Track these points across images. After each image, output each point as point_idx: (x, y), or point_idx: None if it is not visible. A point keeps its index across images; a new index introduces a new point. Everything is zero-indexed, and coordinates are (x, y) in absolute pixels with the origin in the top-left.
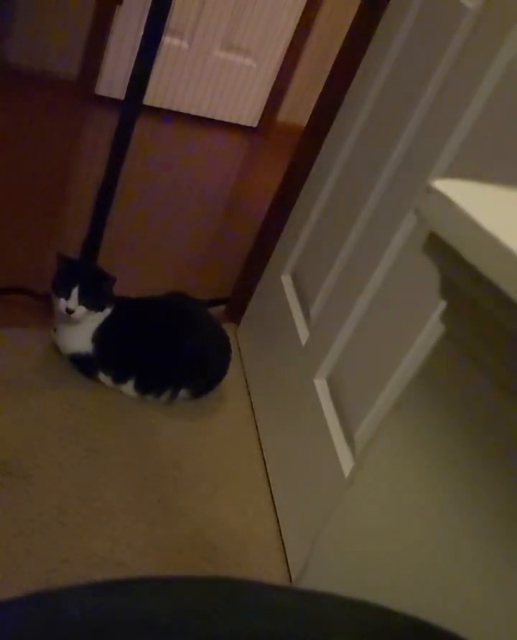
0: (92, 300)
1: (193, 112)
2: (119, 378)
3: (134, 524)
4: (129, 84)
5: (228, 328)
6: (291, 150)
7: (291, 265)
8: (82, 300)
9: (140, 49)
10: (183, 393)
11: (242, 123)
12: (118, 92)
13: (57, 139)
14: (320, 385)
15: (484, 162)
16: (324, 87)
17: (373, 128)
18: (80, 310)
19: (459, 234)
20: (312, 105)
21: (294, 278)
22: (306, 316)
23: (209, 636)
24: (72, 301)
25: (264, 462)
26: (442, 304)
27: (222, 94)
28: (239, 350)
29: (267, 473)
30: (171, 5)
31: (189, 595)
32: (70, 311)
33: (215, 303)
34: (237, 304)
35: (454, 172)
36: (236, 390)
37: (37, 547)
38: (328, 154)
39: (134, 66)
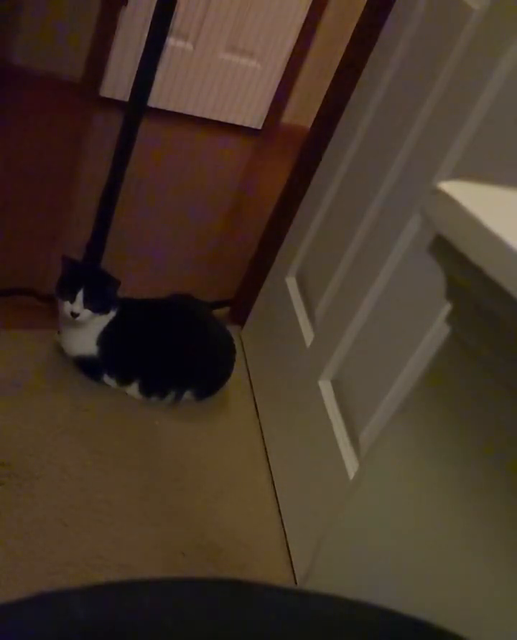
0: (96, 304)
1: (197, 114)
2: (124, 380)
3: (138, 525)
4: (134, 86)
5: (233, 329)
6: (296, 152)
7: (296, 267)
8: (87, 303)
9: (144, 50)
10: (187, 395)
11: (246, 124)
12: (123, 93)
13: (61, 141)
14: (325, 387)
15: (490, 163)
16: (328, 89)
17: (378, 129)
18: (85, 313)
19: (464, 236)
20: (317, 106)
21: (299, 279)
22: (311, 317)
23: (214, 638)
24: (77, 305)
25: (269, 463)
26: (448, 306)
27: (226, 96)
28: (243, 352)
29: (271, 475)
30: (176, 7)
31: (194, 596)
32: (74, 315)
33: (220, 304)
34: (241, 306)
35: (459, 173)
36: (240, 392)
37: (41, 549)
38: (333, 156)
39: (139, 68)
